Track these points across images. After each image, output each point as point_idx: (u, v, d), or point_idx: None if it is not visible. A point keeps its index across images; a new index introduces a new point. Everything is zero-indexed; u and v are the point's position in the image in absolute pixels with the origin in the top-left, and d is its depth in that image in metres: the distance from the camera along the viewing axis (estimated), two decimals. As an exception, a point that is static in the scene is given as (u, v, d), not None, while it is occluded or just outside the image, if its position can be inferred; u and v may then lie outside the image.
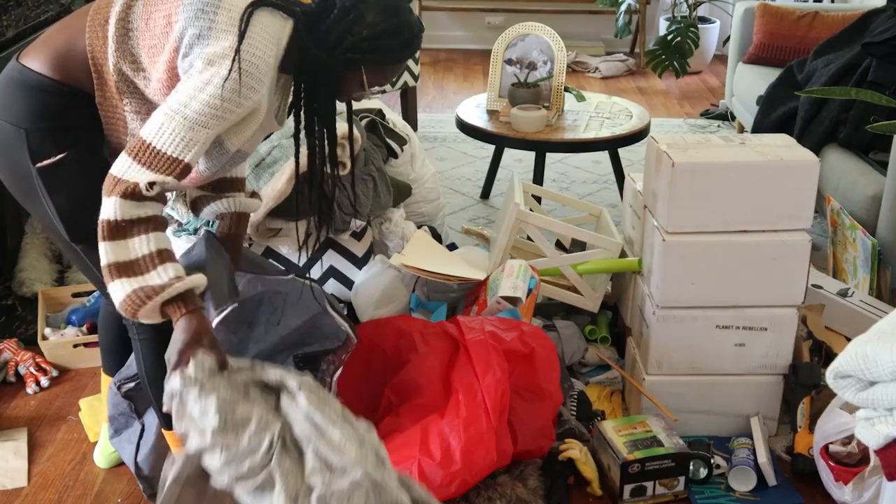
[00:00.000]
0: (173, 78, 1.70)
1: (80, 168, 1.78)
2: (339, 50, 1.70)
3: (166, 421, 1.98)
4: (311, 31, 1.71)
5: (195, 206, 2.05)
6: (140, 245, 1.63)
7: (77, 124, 1.78)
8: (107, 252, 1.62)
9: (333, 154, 1.85)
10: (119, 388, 2.08)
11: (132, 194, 1.61)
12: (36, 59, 1.76)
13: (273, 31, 1.68)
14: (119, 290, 1.62)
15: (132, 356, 2.11)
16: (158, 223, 1.66)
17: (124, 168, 1.63)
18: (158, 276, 1.63)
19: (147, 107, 1.77)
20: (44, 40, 1.78)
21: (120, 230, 1.62)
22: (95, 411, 2.42)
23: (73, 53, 1.75)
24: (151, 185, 1.61)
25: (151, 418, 2.10)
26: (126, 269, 1.62)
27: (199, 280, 1.66)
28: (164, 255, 1.65)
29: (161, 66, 1.70)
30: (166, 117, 1.62)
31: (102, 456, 2.31)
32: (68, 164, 1.75)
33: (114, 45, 1.72)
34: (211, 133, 1.65)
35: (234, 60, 1.62)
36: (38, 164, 1.73)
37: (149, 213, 1.64)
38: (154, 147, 1.62)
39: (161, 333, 1.90)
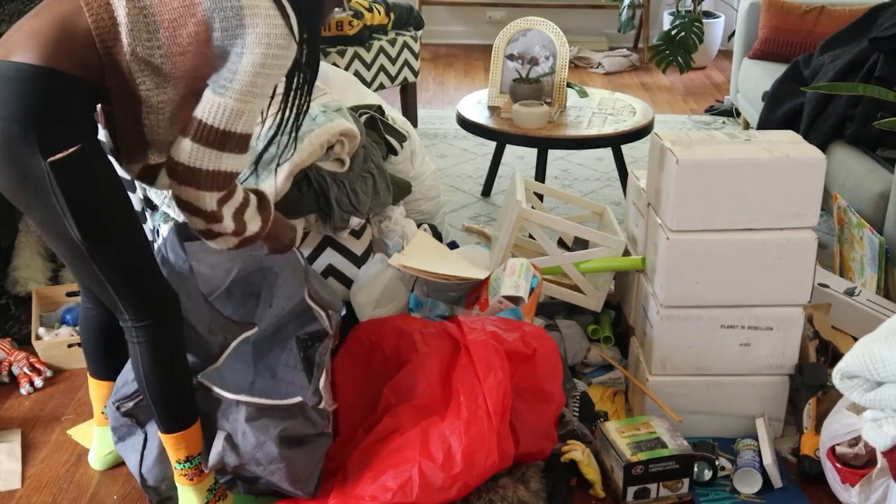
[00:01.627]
0: (200, 50, 1.73)
1: (93, 160, 1.74)
2: None
3: (165, 425, 1.95)
4: None
5: (145, 176, 1.97)
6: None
7: (81, 114, 1.74)
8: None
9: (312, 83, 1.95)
10: (118, 408, 2.06)
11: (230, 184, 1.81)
12: (29, 52, 1.69)
13: None
14: None
15: (124, 372, 2.10)
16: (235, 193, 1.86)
17: (212, 159, 1.75)
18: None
19: (164, 80, 1.75)
20: (30, 34, 1.72)
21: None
22: (86, 434, 2.41)
23: (74, 39, 1.70)
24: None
25: (154, 427, 2.07)
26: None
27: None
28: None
29: (184, 38, 1.71)
30: (238, 102, 1.73)
31: (97, 458, 2.29)
32: (82, 156, 1.71)
33: (128, 26, 1.69)
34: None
35: (274, 28, 1.72)
36: (51, 159, 1.68)
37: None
38: (235, 132, 1.75)
39: (158, 336, 1.88)
